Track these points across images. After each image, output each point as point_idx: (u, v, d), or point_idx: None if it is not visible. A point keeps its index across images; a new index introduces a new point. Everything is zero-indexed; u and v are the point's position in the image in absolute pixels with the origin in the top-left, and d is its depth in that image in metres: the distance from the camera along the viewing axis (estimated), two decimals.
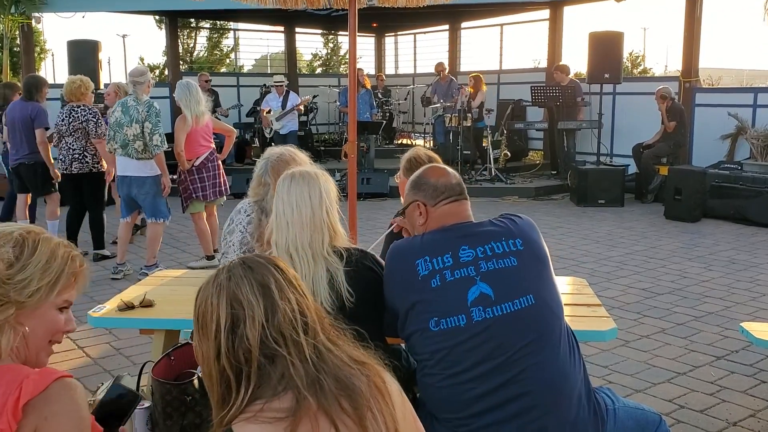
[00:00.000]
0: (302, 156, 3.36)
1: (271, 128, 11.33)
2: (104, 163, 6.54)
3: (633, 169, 10.44)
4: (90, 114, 6.39)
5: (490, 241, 2.10)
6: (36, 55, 14.82)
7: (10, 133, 6.83)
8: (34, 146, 6.61)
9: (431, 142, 12.44)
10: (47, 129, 6.66)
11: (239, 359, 1.32)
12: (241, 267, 1.41)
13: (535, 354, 1.97)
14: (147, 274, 5.88)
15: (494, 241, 2.10)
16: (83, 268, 1.51)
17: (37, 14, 13.00)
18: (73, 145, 6.40)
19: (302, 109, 11.50)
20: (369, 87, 12.77)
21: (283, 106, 11.22)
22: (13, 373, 1.37)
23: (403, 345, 3.35)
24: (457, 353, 1.99)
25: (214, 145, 6.51)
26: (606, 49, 9.93)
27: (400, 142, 14.72)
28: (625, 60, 12.39)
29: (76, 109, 6.39)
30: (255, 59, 20.33)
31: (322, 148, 13.28)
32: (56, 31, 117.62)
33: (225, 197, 6.64)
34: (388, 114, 13.81)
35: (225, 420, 1.31)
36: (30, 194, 7.16)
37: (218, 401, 1.36)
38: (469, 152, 10.85)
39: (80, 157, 6.42)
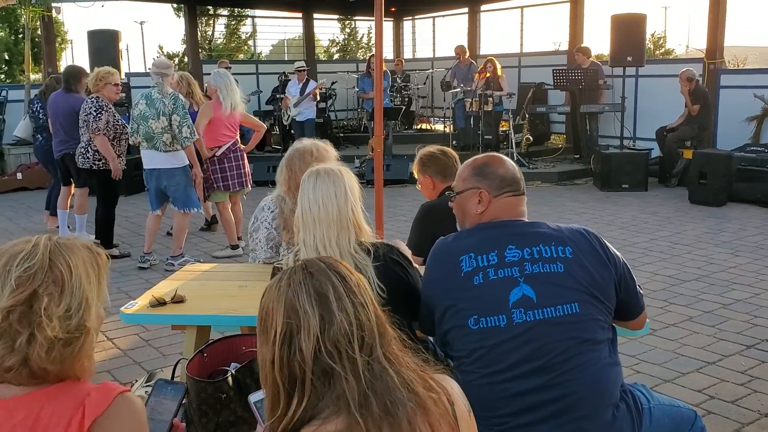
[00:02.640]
0: (325, 152, 3.34)
1: (288, 114, 11.35)
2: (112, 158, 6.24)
3: (656, 152, 10.32)
4: (93, 107, 6.13)
5: (539, 243, 2.06)
6: (57, 45, 14.90)
7: (53, 125, 6.86)
8: (77, 136, 6.49)
9: (451, 126, 12.38)
10: None
11: (293, 371, 1.29)
12: (301, 272, 1.36)
13: (577, 358, 1.96)
14: (173, 264, 5.97)
15: (543, 245, 2.05)
16: (104, 257, 1.48)
17: (56, 4, 13.08)
18: (82, 138, 6.30)
19: (317, 95, 11.48)
20: (385, 69, 12.72)
21: (302, 92, 11.23)
22: (73, 391, 1.36)
23: (431, 337, 3.36)
24: (496, 353, 1.98)
25: (237, 136, 6.53)
26: (628, 31, 9.78)
27: (419, 127, 14.67)
28: (647, 41, 12.21)
29: (87, 100, 6.23)
30: (272, 45, 20.34)
31: (341, 135, 13.25)
32: (76, 20, 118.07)
33: (249, 188, 6.66)
34: (407, 99, 13.75)
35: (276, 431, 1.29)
36: (72, 186, 7.16)
37: (273, 408, 1.34)
38: (491, 137, 10.78)
39: (84, 152, 6.27)
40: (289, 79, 12.02)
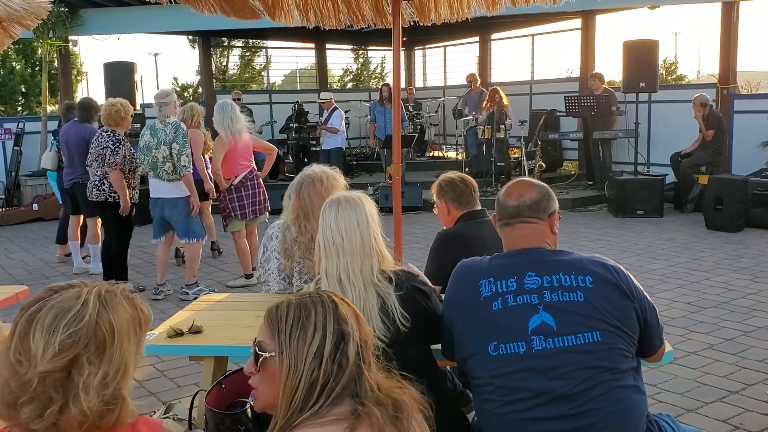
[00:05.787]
0: (335, 180, 3.30)
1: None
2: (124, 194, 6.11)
3: (671, 178, 10.27)
4: (110, 141, 6.01)
5: (559, 272, 2.04)
6: (73, 77, 15.12)
7: (64, 154, 6.90)
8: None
9: (463, 154, 12.41)
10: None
11: (334, 370, 1.48)
12: (334, 295, 1.63)
13: (600, 387, 1.93)
14: (188, 294, 5.97)
15: (563, 273, 2.03)
16: (147, 314, 1.43)
17: (73, 37, 13.29)
18: (96, 171, 6.18)
19: (337, 131, 11.50)
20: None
21: (326, 121, 11.36)
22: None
23: (448, 367, 3.32)
24: (516, 380, 1.96)
25: (254, 164, 6.56)
26: (641, 57, 9.80)
27: (431, 154, 14.70)
28: (659, 67, 12.23)
29: (103, 134, 6.11)
30: (285, 75, 20.54)
31: (354, 163, 13.32)
32: (91, 52, 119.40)
33: (266, 215, 6.66)
34: (419, 127, 13.80)
35: (293, 424, 1.43)
36: (81, 216, 7.19)
37: (295, 407, 1.45)
38: (503, 164, 10.79)
39: (99, 184, 6.15)
40: (302, 109, 12.15)
